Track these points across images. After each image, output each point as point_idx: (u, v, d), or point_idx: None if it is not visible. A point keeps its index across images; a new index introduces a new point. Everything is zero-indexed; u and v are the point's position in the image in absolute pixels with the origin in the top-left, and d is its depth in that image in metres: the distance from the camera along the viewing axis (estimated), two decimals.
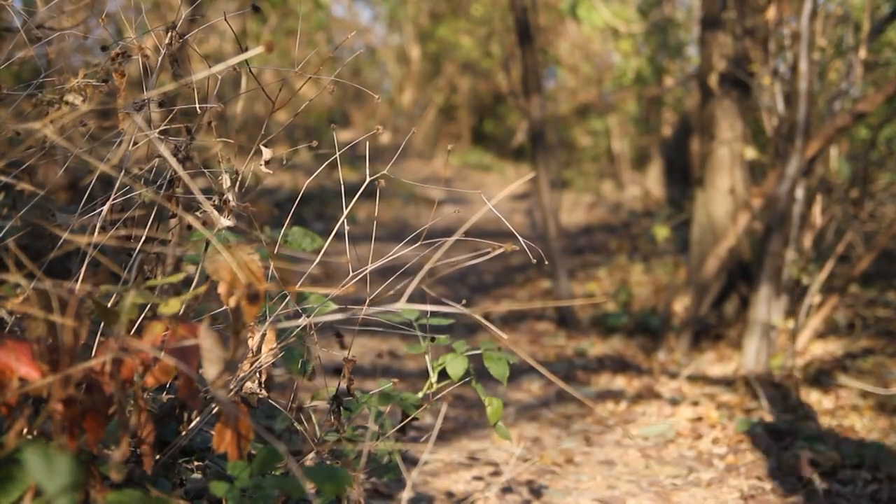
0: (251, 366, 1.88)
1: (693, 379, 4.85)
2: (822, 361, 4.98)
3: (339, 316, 1.74)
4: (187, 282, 1.90)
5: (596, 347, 5.71)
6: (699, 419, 4.16)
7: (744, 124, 5.79)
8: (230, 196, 2.00)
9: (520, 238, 1.92)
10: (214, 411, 1.82)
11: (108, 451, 1.57)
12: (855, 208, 5.37)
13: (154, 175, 2.05)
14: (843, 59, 5.24)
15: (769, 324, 4.88)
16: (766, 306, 4.90)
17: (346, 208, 2.05)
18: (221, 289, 1.44)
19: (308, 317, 1.89)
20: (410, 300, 1.62)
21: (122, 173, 1.90)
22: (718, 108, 5.75)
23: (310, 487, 1.66)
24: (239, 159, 2.11)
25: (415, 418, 2.30)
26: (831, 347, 5.20)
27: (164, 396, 2.02)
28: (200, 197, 1.68)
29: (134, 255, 1.94)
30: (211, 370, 1.37)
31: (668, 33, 9.81)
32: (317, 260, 2.06)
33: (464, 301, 1.87)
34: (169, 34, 2.03)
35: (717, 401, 4.42)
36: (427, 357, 2.34)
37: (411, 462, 3.15)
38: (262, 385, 1.92)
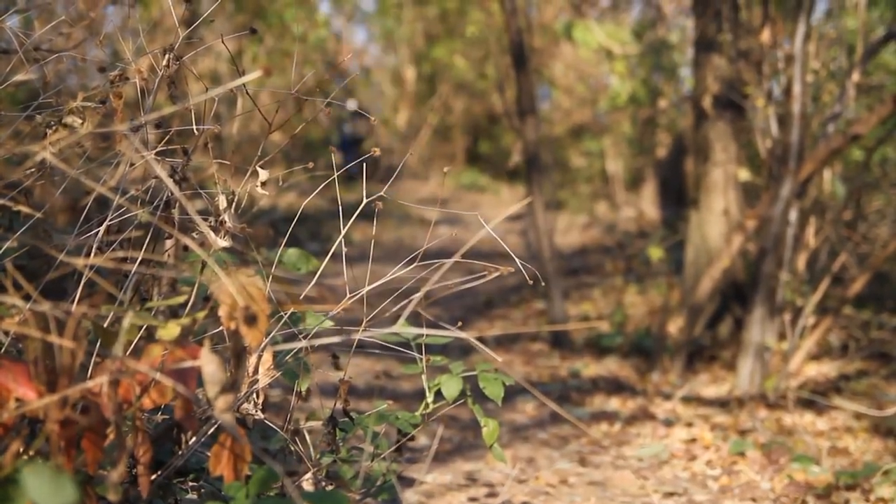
0: (248, 387, 1.88)
1: (687, 400, 4.85)
2: (815, 383, 4.98)
3: (335, 338, 1.75)
4: (185, 303, 1.90)
5: (590, 368, 5.71)
6: (693, 440, 4.16)
7: (738, 146, 5.82)
8: (226, 217, 2.01)
9: (515, 259, 1.93)
10: (210, 432, 1.82)
11: (104, 471, 1.57)
12: (848, 230, 5.38)
13: (151, 196, 2.05)
14: (836, 81, 5.27)
15: (763, 345, 4.89)
16: (760, 327, 4.91)
17: (343, 229, 2.05)
18: (222, 312, 1.44)
19: (305, 339, 1.89)
20: (406, 322, 1.62)
21: (118, 194, 1.90)
22: (712, 130, 5.77)
23: None
24: (235, 180, 2.12)
25: (411, 438, 2.30)
26: (825, 369, 5.20)
27: (160, 417, 2.02)
28: (197, 218, 1.69)
29: (130, 276, 1.94)
30: (213, 394, 1.38)
31: (662, 55, 9.85)
32: (313, 281, 2.06)
33: (460, 323, 1.88)
34: (166, 56, 2.04)
35: (712, 422, 4.43)
36: (423, 377, 2.34)
37: (407, 483, 3.15)
38: (259, 406, 1.92)
